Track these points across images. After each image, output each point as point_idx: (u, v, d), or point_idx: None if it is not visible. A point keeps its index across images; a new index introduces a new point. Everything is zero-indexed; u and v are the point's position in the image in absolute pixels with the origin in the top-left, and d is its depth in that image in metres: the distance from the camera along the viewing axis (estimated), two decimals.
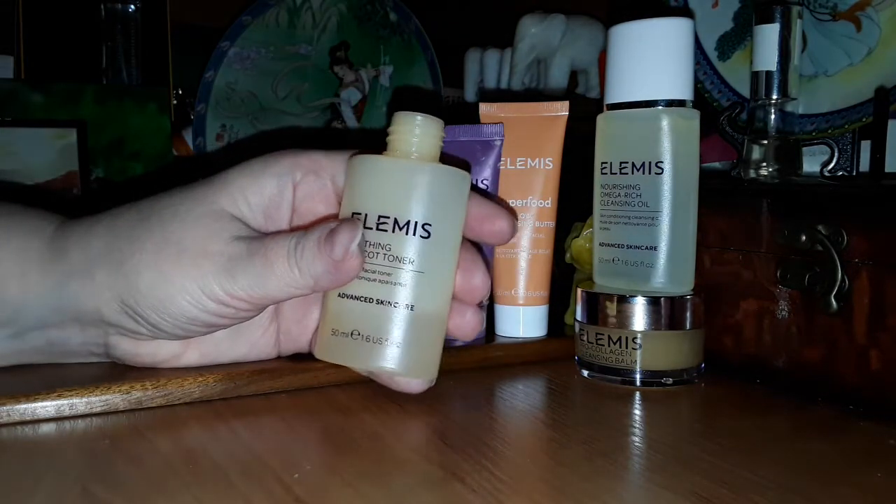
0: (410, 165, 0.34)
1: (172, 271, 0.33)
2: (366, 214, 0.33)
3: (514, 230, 0.37)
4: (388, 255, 0.33)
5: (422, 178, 0.34)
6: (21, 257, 0.35)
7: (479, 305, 0.37)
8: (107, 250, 0.34)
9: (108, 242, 0.34)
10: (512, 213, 0.37)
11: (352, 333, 0.34)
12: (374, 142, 0.36)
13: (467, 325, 0.36)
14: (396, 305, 0.33)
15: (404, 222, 0.33)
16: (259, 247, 0.34)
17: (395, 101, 0.87)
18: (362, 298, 0.33)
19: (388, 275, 0.33)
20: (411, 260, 0.33)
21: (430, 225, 0.33)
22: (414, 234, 0.33)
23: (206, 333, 0.36)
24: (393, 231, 0.33)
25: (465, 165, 0.36)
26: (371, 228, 0.33)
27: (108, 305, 0.34)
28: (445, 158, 0.35)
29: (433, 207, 0.33)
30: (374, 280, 0.33)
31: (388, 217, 0.33)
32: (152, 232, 0.34)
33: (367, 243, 0.33)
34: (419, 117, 0.34)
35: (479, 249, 0.37)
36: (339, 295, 0.34)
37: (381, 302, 0.33)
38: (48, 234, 0.35)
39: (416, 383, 0.35)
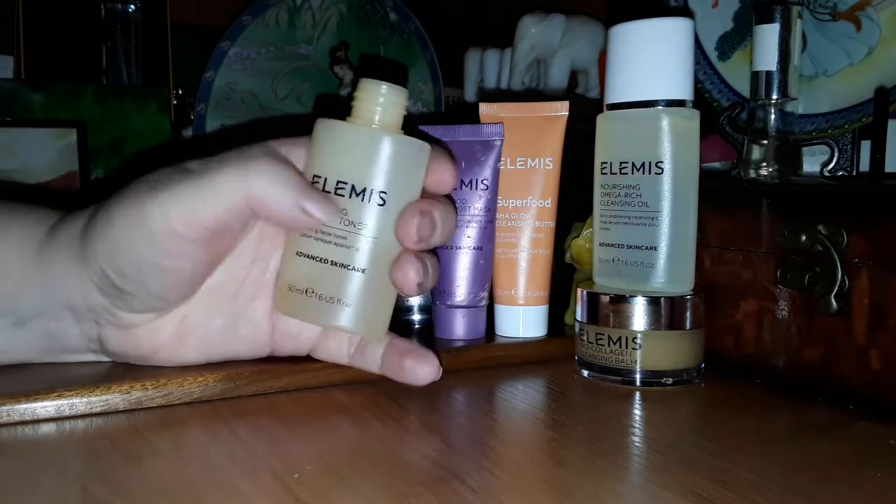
0: (371, 134, 0.34)
1: (117, 208, 0.33)
2: (325, 178, 0.34)
3: (456, 177, 0.37)
4: (344, 219, 0.34)
5: (381, 147, 0.34)
6: (22, 246, 0.36)
7: (421, 259, 0.36)
8: (84, 225, 0.35)
9: (87, 218, 0.35)
10: (454, 162, 0.37)
11: (306, 291, 0.35)
12: None
13: (408, 278, 0.35)
14: (350, 268, 0.34)
15: (361, 189, 0.34)
16: (202, 168, 0.33)
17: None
18: (318, 259, 0.35)
19: (344, 238, 0.34)
20: (366, 225, 0.34)
21: (385, 193, 0.34)
22: (370, 201, 0.34)
23: (176, 295, 0.35)
24: (350, 197, 0.34)
25: (426, 138, 0.36)
26: (329, 192, 0.34)
27: (85, 285, 0.34)
28: (408, 130, 0.36)
29: (390, 176, 0.34)
30: (330, 242, 0.34)
31: (346, 183, 0.34)
32: (122, 189, 0.35)
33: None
34: (384, 86, 0.35)
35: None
36: (297, 253, 0.35)
37: (336, 264, 0.34)
38: (49, 224, 0.36)
39: (427, 372, 0.36)
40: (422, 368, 0.36)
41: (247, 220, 0.35)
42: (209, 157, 0.35)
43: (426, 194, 0.37)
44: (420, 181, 0.36)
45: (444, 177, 0.36)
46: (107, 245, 0.33)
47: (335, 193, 0.34)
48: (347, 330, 0.35)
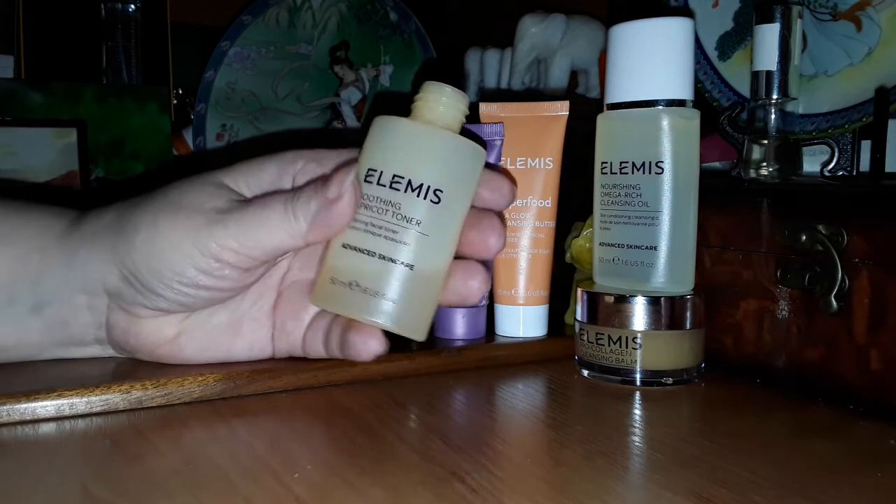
0: (432, 131, 0.35)
1: (167, 225, 0.34)
2: (381, 171, 0.34)
3: (513, 196, 0.37)
4: (397, 213, 0.34)
5: (440, 145, 0.34)
6: (44, 233, 0.37)
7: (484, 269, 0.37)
8: (116, 218, 0.36)
9: (118, 212, 0.36)
10: (514, 182, 0.37)
11: (350, 284, 0.34)
12: None
13: (473, 284, 0.36)
14: (397, 262, 0.34)
15: (417, 184, 0.34)
16: (256, 202, 0.35)
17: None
18: (366, 251, 0.34)
19: (395, 232, 0.34)
20: (418, 221, 0.34)
21: (441, 191, 0.34)
22: (425, 197, 0.34)
23: (196, 304, 0.36)
24: (405, 191, 0.34)
25: (482, 143, 0.37)
26: (384, 186, 0.34)
27: (110, 271, 0.35)
28: (466, 134, 0.36)
29: (447, 175, 0.34)
30: (380, 235, 0.34)
31: (403, 177, 0.34)
32: (155, 197, 0.36)
33: (379, 199, 0.34)
34: (448, 88, 0.35)
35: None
36: (343, 245, 0.34)
37: (384, 257, 0.34)
38: (71, 216, 0.38)
39: (372, 345, 0.34)
40: (365, 342, 0.34)
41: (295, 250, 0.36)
42: (236, 167, 0.37)
43: (475, 208, 0.36)
44: (474, 186, 0.36)
45: (501, 193, 0.36)
46: (148, 251, 0.34)
47: (390, 187, 0.34)
48: (386, 326, 0.34)
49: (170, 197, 0.35)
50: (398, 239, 0.34)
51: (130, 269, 0.35)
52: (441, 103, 0.35)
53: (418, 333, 0.35)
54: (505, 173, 0.38)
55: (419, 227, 0.34)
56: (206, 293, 0.35)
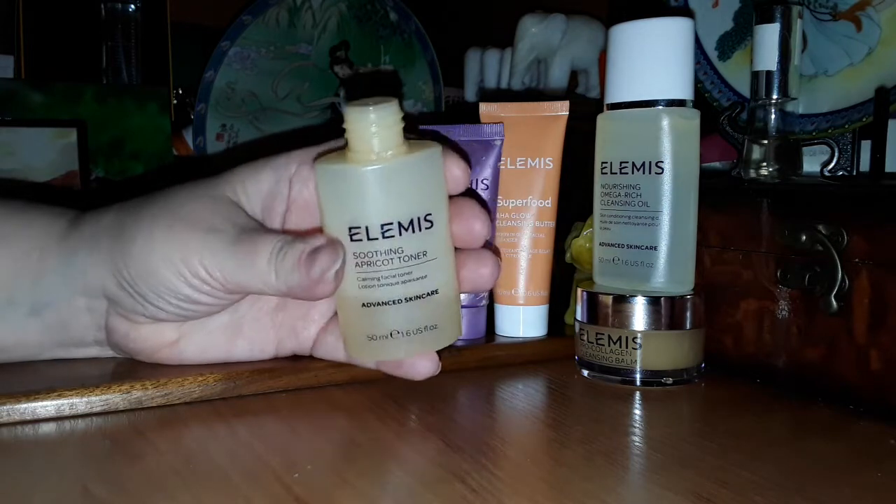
0: (386, 168, 0.33)
1: (162, 238, 0.34)
2: (365, 227, 0.33)
3: (487, 230, 0.37)
4: (402, 257, 0.33)
5: (403, 176, 0.33)
6: (43, 233, 0.37)
7: (489, 250, 0.38)
8: (115, 221, 0.36)
9: (117, 215, 0.36)
10: (464, 158, 0.37)
11: (391, 334, 0.34)
12: None
13: (485, 272, 0.37)
14: (423, 297, 0.34)
15: (407, 223, 0.33)
16: (247, 238, 0.34)
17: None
18: (390, 303, 0.34)
19: (409, 273, 0.34)
20: (424, 252, 0.34)
21: (430, 214, 0.34)
22: (420, 229, 0.34)
23: (194, 316, 0.36)
24: (400, 234, 0.33)
25: (431, 136, 0.36)
26: (377, 239, 0.33)
27: (108, 278, 0.35)
28: (412, 131, 0.36)
29: (424, 196, 0.34)
30: (397, 283, 0.34)
31: (391, 223, 0.33)
32: (155, 204, 0.36)
33: (379, 252, 0.33)
34: (371, 112, 0.32)
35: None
36: (364, 305, 0.34)
37: (410, 299, 0.34)
38: (70, 217, 0.38)
39: (425, 366, 0.36)
40: (420, 363, 0.36)
41: None
42: (235, 172, 0.37)
43: (452, 199, 0.36)
44: (444, 183, 0.35)
45: (454, 174, 0.36)
46: (142, 261, 0.34)
47: (383, 237, 0.33)
48: (437, 349, 0.36)
49: (169, 206, 0.35)
50: (415, 277, 0.34)
51: (126, 279, 0.35)
52: (370, 132, 0.32)
53: (457, 334, 0.37)
54: (454, 152, 0.36)
55: (427, 257, 0.34)
56: (201, 307, 0.36)
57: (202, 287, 0.34)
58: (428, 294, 0.34)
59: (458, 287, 0.36)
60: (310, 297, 0.34)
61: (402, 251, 0.33)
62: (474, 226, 0.36)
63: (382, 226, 0.33)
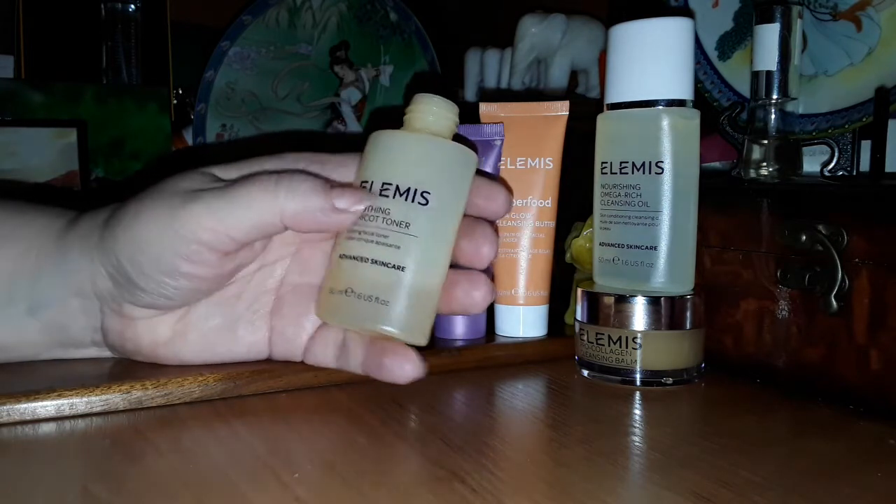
0: (419, 136, 0.35)
1: (147, 211, 0.34)
2: (371, 182, 0.35)
3: (509, 206, 0.37)
4: (386, 218, 0.34)
5: (426, 148, 0.35)
6: (42, 233, 0.37)
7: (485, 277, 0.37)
8: (108, 216, 0.36)
9: (112, 209, 0.36)
10: (510, 192, 0.38)
11: (346, 291, 0.34)
12: None
13: (477, 295, 0.36)
14: (390, 265, 0.34)
15: (405, 189, 0.34)
16: (238, 183, 0.34)
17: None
18: (359, 258, 0.34)
19: (386, 237, 0.34)
20: (407, 224, 0.34)
21: (429, 193, 0.34)
22: (413, 200, 0.34)
23: (185, 298, 0.36)
24: (393, 197, 0.34)
25: (475, 148, 0.37)
26: (375, 194, 0.35)
27: (97, 271, 0.35)
28: (461, 141, 0.36)
29: (434, 177, 0.35)
30: (372, 241, 0.34)
31: (391, 184, 0.34)
32: (144, 191, 0.36)
33: (370, 208, 0.34)
34: (436, 98, 0.36)
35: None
36: (340, 256, 0.35)
37: (376, 262, 0.34)
38: (69, 217, 0.38)
39: (407, 369, 0.35)
40: (401, 366, 0.35)
41: (274, 234, 0.36)
42: (232, 163, 0.37)
43: (469, 217, 0.36)
44: (466, 189, 0.36)
45: (496, 202, 0.36)
46: (129, 239, 0.34)
47: (380, 195, 0.34)
48: (387, 332, 0.34)
49: (156, 187, 0.35)
50: (390, 242, 0.34)
51: (114, 264, 0.35)
52: (430, 112, 0.36)
53: (417, 337, 0.35)
54: (501, 182, 0.38)
55: (409, 230, 0.34)
56: (186, 282, 0.35)
57: (192, 249, 0.33)
58: (394, 266, 0.34)
59: (436, 289, 0.35)
60: (323, 225, 0.34)
61: (389, 213, 0.34)
62: (483, 247, 0.36)
63: (384, 184, 0.35)
